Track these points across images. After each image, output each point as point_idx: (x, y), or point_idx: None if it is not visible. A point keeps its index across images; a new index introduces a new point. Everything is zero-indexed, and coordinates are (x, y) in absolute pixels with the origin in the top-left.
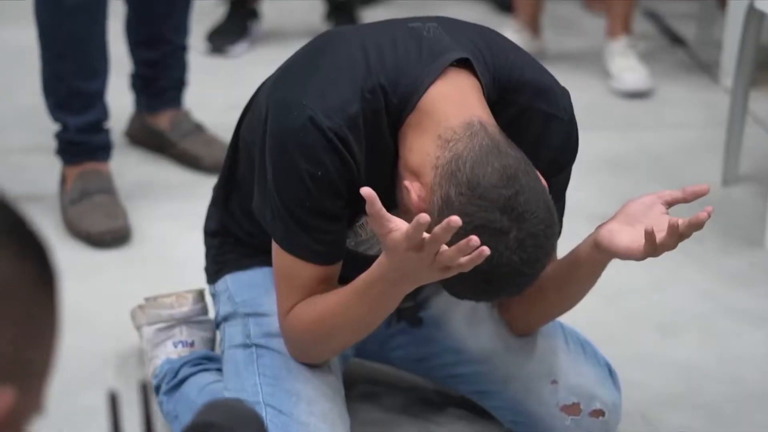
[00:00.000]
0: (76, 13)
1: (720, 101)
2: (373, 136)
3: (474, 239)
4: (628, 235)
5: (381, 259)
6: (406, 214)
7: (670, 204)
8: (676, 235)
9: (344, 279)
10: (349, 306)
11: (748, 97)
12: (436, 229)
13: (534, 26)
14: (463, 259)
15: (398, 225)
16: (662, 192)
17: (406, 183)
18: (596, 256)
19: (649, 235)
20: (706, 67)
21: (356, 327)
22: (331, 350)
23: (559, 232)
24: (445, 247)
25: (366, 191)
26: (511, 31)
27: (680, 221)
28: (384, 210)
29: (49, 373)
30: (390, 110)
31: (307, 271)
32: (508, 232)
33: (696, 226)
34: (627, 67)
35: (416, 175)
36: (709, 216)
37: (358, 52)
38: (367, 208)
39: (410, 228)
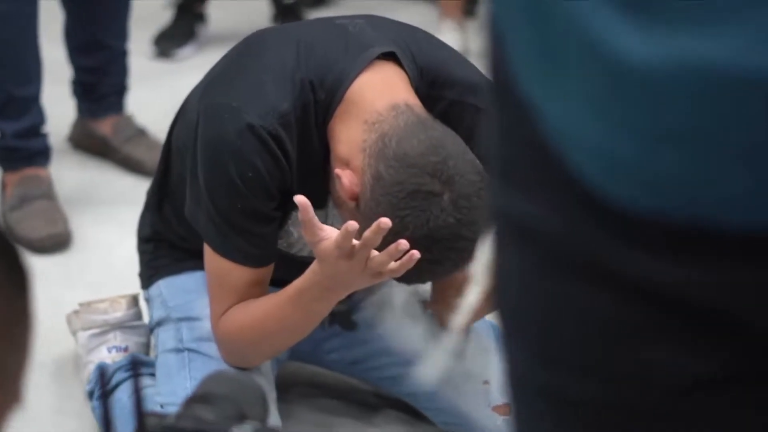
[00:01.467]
0: (7, 20)
1: None
2: (304, 133)
3: (403, 243)
4: None
5: (313, 267)
6: (342, 208)
7: None
8: None
9: (277, 281)
10: (282, 312)
11: None
12: (366, 233)
13: (463, 23)
14: (394, 264)
15: (329, 233)
16: None
17: (337, 171)
18: None
19: None
20: None
21: (289, 332)
22: (264, 355)
23: None
24: (375, 252)
25: (300, 199)
26: (448, 30)
27: None
28: (316, 219)
29: (24, 371)
30: (318, 105)
31: (239, 274)
32: (441, 194)
33: None
34: None
35: (346, 164)
36: None
37: (285, 51)
38: (300, 215)
39: (339, 236)
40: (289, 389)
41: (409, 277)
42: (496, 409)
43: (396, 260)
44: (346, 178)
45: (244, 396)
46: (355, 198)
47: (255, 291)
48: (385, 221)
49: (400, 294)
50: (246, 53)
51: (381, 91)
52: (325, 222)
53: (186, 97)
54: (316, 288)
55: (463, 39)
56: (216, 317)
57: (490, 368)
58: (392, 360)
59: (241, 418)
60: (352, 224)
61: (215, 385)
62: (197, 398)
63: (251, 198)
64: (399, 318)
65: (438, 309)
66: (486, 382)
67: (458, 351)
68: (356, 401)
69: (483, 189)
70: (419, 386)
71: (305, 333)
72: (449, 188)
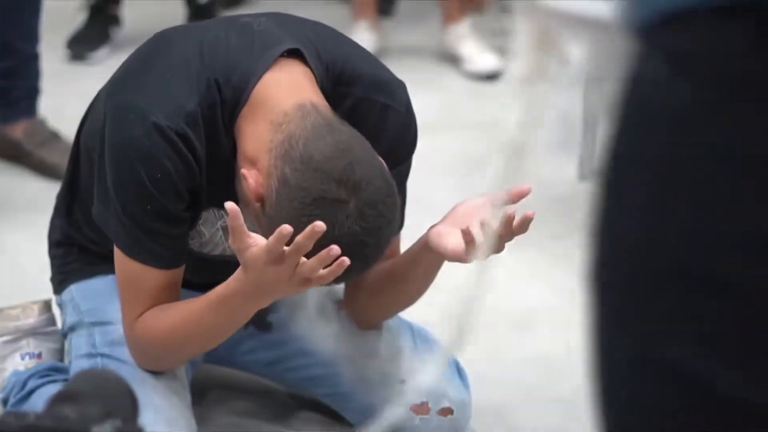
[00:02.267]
0: None
1: (579, 97)
2: (212, 133)
3: (335, 249)
4: (455, 237)
5: (238, 274)
6: (248, 207)
7: (498, 206)
8: (492, 236)
9: (189, 282)
10: (202, 318)
11: (603, 91)
12: (299, 238)
13: (377, 23)
14: (324, 271)
15: (256, 240)
16: (491, 194)
17: (243, 171)
18: (428, 256)
19: (466, 234)
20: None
21: (208, 338)
22: (181, 359)
23: (401, 226)
24: (304, 258)
25: (230, 206)
26: (362, 29)
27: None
28: (245, 226)
29: None
30: (224, 105)
31: (151, 276)
32: (347, 201)
33: (508, 225)
34: (477, 48)
35: (253, 163)
36: (530, 220)
37: (190, 50)
38: (229, 221)
39: (271, 241)
40: (205, 392)
41: None
42: (413, 408)
43: (325, 267)
44: (252, 179)
45: (112, 394)
46: (261, 199)
47: (167, 293)
48: (320, 225)
49: (313, 295)
50: (151, 53)
51: (287, 90)
52: None
53: (93, 98)
54: (239, 296)
55: (378, 39)
56: (129, 321)
57: (406, 368)
58: (309, 361)
59: (106, 416)
60: (287, 228)
61: (83, 383)
62: (63, 396)
63: (161, 199)
64: (313, 319)
65: (351, 309)
66: (402, 382)
67: (372, 351)
68: (273, 403)
69: (390, 195)
70: (336, 387)
71: (223, 339)
72: (355, 195)
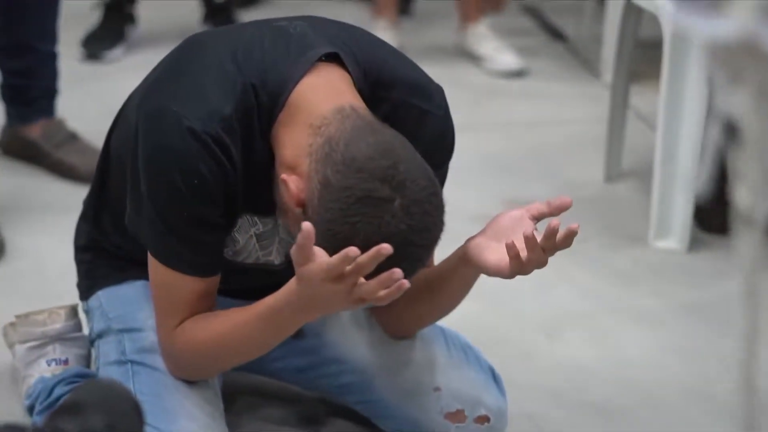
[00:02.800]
0: None
1: (602, 96)
2: (248, 138)
3: (397, 272)
4: (496, 252)
5: (291, 287)
6: (287, 213)
7: (537, 218)
8: (538, 249)
9: (222, 289)
10: (249, 329)
11: (629, 92)
12: (362, 258)
13: (397, 22)
14: (382, 293)
15: (318, 256)
16: (530, 206)
17: (284, 176)
18: (465, 270)
19: (511, 249)
20: (587, 63)
21: (253, 349)
22: (220, 370)
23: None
24: (362, 279)
25: (306, 226)
26: (382, 29)
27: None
28: (313, 246)
29: None
30: (261, 110)
31: (187, 285)
32: (392, 200)
33: (551, 237)
34: (497, 47)
35: (292, 169)
36: (574, 233)
37: (224, 54)
38: (300, 238)
39: (335, 259)
40: (234, 399)
41: None
42: (448, 416)
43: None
44: (292, 184)
45: (117, 407)
46: (302, 204)
47: (204, 301)
48: (387, 247)
49: None
50: (184, 57)
51: (325, 95)
52: (275, 229)
53: (123, 103)
54: (290, 308)
55: (397, 38)
56: (167, 330)
57: (441, 375)
58: (341, 368)
59: (108, 429)
60: (354, 250)
61: (86, 394)
62: (65, 408)
63: (197, 205)
64: (345, 325)
65: (384, 319)
66: (437, 389)
67: (405, 358)
68: (302, 410)
69: (434, 194)
70: (368, 394)
71: (267, 351)
72: (400, 194)
